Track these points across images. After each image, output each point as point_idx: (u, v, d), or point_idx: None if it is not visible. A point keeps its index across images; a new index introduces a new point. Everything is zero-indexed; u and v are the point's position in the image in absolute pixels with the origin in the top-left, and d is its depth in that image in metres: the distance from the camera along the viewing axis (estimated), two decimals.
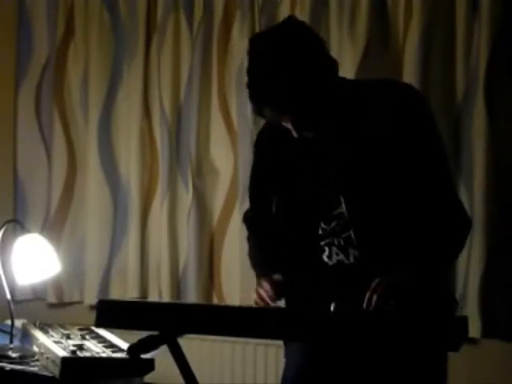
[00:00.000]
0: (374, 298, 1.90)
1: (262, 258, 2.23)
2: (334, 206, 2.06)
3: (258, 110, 2.03)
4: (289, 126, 2.00)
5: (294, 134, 2.01)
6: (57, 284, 3.57)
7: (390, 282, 1.93)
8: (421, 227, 2.00)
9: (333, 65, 2.04)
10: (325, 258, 2.09)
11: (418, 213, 2.02)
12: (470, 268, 3.00)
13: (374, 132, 2.02)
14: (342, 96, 2.04)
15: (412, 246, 1.99)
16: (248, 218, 2.34)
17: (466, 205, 3.01)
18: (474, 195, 3.01)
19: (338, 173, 2.04)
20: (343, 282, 2.06)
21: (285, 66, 1.93)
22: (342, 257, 2.07)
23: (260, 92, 1.97)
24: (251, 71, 1.99)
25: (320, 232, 2.09)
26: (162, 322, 1.87)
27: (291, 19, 2.07)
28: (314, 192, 2.09)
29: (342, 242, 2.06)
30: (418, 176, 2.02)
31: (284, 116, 1.99)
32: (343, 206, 2.04)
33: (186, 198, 3.43)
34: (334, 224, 2.07)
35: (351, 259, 2.06)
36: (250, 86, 2.00)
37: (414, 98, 2.07)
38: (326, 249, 2.09)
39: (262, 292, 2.07)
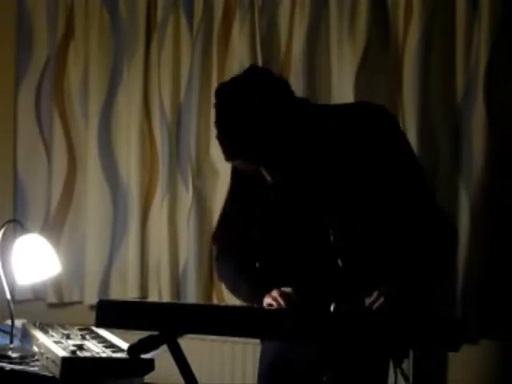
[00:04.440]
0: (381, 299, 1.91)
1: (254, 276, 2.22)
2: (318, 232, 2.08)
3: (229, 160, 2.03)
4: (262, 171, 2.01)
5: (268, 178, 2.01)
6: (57, 284, 3.57)
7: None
8: (406, 246, 2.03)
9: (301, 104, 2.04)
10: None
11: (402, 233, 2.04)
12: (469, 268, 3.00)
13: (349, 158, 2.05)
14: (315, 129, 2.05)
15: (397, 266, 2.01)
16: (221, 236, 2.33)
17: (466, 205, 3.02)
18: (473, 195, 3.01)
19: (319, 203, 2.06)
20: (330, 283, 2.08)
21: (251, 117, 1.93)
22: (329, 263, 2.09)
23: (229, 145, 1.98)
24: (218, 124, 2.00)
25: (308, 251, 2.12)
26: (162, 321, 1.87)
27: (253, 68, 2.09)
28: (294, 218, 2.11)
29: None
30: (397, 197, 2.05)
31: (255, 166, 1.99)
32: (330, 233, 2.06)
33: (186, 198, 3.43)
34: (320, 246, 2.10)
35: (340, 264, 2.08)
36: (218, 138, 2.01)
37: (386, 121, 2.10)
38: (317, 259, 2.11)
39: (277, 295, 2.06)
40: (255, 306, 2.14)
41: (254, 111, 1.93)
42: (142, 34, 3.51)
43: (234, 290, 2.28)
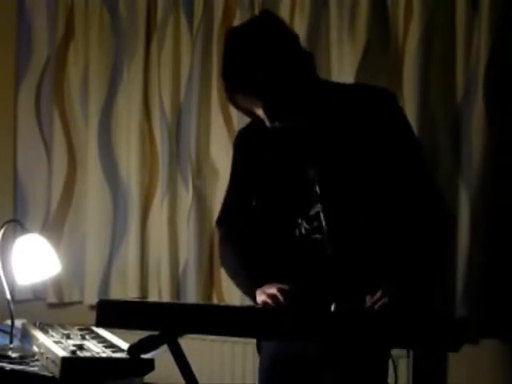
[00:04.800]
0: (385, 299, 1.91)
1: (254, 270, 2.22)
2: (313, 204, 2.09)
3: (230, 98, 2.05)
4: (261, 115, 2.01)
5: (267, 123, 2.01)
6: (57, 284, 3.57)
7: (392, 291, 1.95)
8: (400, 226, 2.03)
9: (308, 57, 2.08)
10: (308, 250, 2.12)
11: (397, 213, 2.04)
12: (470, 268, 3.00)
13: (351, 132, 2.05)
14: (319, 92, 2.08)
15: (392, 246, 2.02)
16: (224, 221, 2.34)
17: (466, 204, 3.02)
18: (473, 195, 3.01)
19: (316, 172, 2.06)
20: (323, 275, 2.08)
21: (257, 49, 1.97)
22: (323, 248, 2.10)
23: (233, 75, 2.00)
24: (225, 57, 2.04)
25: (303, 232, 2.11)
26: (162, 321, 1.87)
27: (266, 12, 2.15)
28: (292, 191, 2.11)
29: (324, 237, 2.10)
30: (395, 175, 2.05)
31: (256, 102, 2.00)
32: (320, 206, 2.08)
33: (186, 198, 3.43)
34: (315, 223, 2.09)
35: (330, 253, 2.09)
36: (223, 71, 2.03)
37: (390, 101, 2.12)
38: (313, 243, 2.11)
39: (275, 292, 2.07)
40: (252, 299, 2.14)
41: (258, 44, 1.98)
42: (142, 34, 3.51)
43: (234, 278, 2.29)
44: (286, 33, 2.05)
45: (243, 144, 2.26)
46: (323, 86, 2.13)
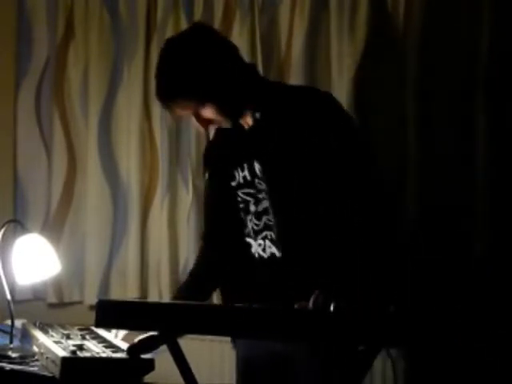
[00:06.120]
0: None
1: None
2: (261, 202, 2.16)
3: (166, 102, 2.14)
4: (212, 116, 2.14)
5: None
6: (57, 284, 3.57)
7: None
8: (337, 229, 2.07)
9: (248, 65, 2.22)
10: (260, 251, 2.19)
11: (335, 214, 2.08)
12: (469, 268, 3.00)
13: (293, 131, 2.10)
14: (263, 91, 2.17)
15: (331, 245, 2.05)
16: None
17: (466, 205, 3.01)
18: (474, 195, 3.00)
19: (263, 171, 2.14)
20: (275, 276, 2.13)
21: (199, 54, 2.08)
22: (274, 249, 2.16)
23: (166, 84, 2.10)
24: (158, 66, 2.14)
25: (255, 228, 2.18)
26: (161, 321, 1.87)
27: (199, 23, 2.36)
28: (241, 190, 2.20)
29: (273, 236, 2.16)
30: (335, 176, 2.09)
31: (204, 105, 2.11)
32: (268, 202, 2.14)
33: (186, 198, 3.44)
34: (264, 219, 2.15)
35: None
36: (156, 80, 2.13)
37: (333, 105, 2.16)
38: (262, 242, 2.18)
39: None
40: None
41: (200, 51, 2.09)
42: (142, 34, 3.51)
43: None
44: (219, 39, 2.18)
45: (208, 156, 2.41)
46: (268, 86, 2.23)
